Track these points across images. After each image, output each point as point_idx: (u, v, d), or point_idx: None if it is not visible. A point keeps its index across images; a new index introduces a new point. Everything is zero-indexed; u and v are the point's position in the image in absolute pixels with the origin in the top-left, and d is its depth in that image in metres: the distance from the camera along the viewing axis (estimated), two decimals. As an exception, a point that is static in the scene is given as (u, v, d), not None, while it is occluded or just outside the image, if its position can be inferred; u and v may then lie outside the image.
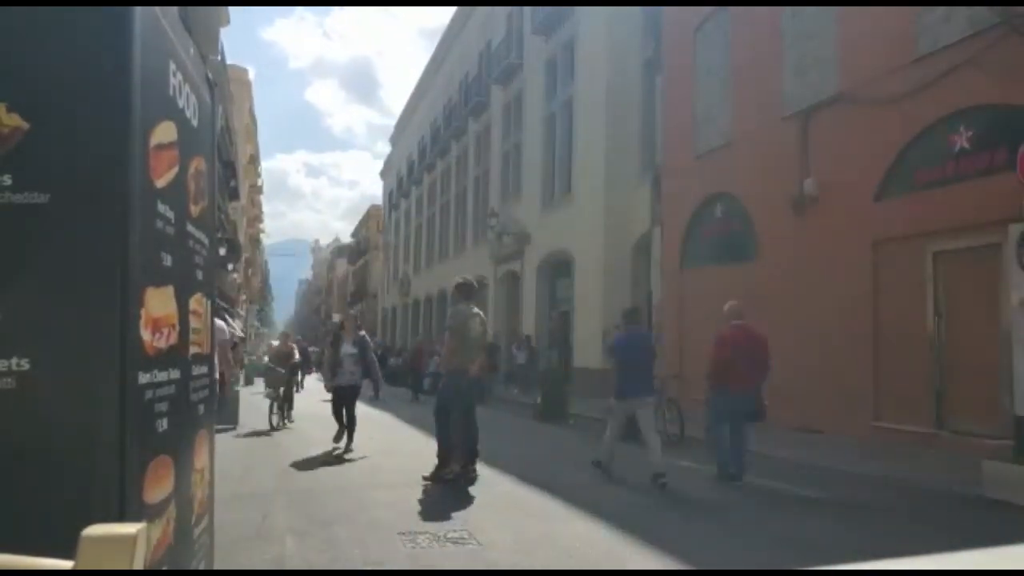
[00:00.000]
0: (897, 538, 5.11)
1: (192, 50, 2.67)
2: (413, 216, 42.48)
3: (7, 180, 1.81)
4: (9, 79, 1.84)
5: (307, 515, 5.56)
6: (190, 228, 2.54)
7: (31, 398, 1.79)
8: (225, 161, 26.54)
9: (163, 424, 2.20)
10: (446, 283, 29.13)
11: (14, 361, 1.78)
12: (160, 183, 2.16)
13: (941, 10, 9.17)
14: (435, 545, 4.72)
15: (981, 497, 6.22)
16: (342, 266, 76.65)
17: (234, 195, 34.29)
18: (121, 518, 1.82)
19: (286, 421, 12.03)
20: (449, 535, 4.94)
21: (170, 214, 2.26)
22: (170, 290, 2.26)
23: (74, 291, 1.86)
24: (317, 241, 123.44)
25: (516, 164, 25.29)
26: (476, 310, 7.45)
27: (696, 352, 11.25)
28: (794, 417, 10.83)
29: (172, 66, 2.31)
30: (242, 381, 14.88)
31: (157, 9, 2.15)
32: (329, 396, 9.50)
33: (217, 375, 3.28)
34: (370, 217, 61.09)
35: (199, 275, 2.69)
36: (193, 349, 2.58)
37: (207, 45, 18.41)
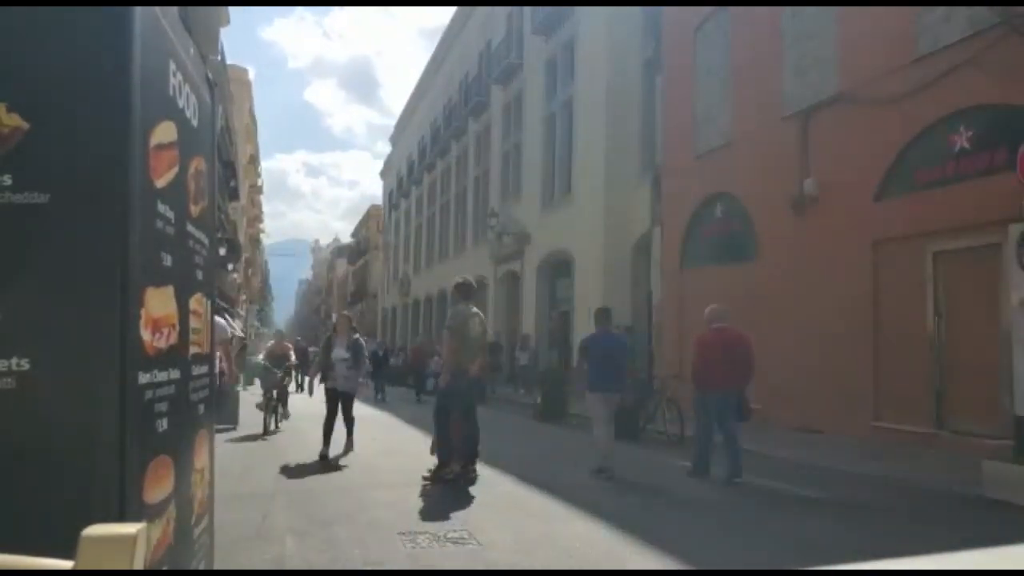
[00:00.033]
0: (897, 538, 5.11)
1: (192, 50, 2.67)
2: (413, 216, 42.49)
3: (7, 180, 1.81)
4: (9, 79, 1.84)
5: (307, 515, 5.56)
6: (190, 228, 2.54)
7: (31, 398, 1.79)
8: (225, 161, 26.54)
9: (163, 424, 2.20)
10: (446, 283, 29.09)
11: (14, 361, 1.78)
12: (160, 183, 2.16)
13: (941, 10, 9.17)
14: (435, 545, 4.72)
15: (981, 497, 6.22)
16: (342, 266, 76.66)
17: (234, 195, 34.29)
18: (121, 518, 1.82)
19: (279, 424, 11.51)
20: (449, 535, 4.94)
21: (170, 214, 2.26)
22: (170, 290, 2.26)
23: (74, 291, 1.86)
24: (317, 241, 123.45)
25: (516, 164, 25.30)
26: (475, 310, 7.47)
27: (696, 352, 11.25)
28: (794, 417, 10.84)
29: (172, 66, 2.31)
30: (242, 382, 14.68)
31: (157, 9, 2.15)
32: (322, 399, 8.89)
33: (218, 370, 3.27)
34: (370, 217, 61.09)
35: (199, 275, 2.69)
36: (193, 349, 2.58)
37: (207, 45, 18.41)
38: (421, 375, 20.28)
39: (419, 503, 6.11)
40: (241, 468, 7.65)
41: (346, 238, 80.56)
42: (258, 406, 11.15)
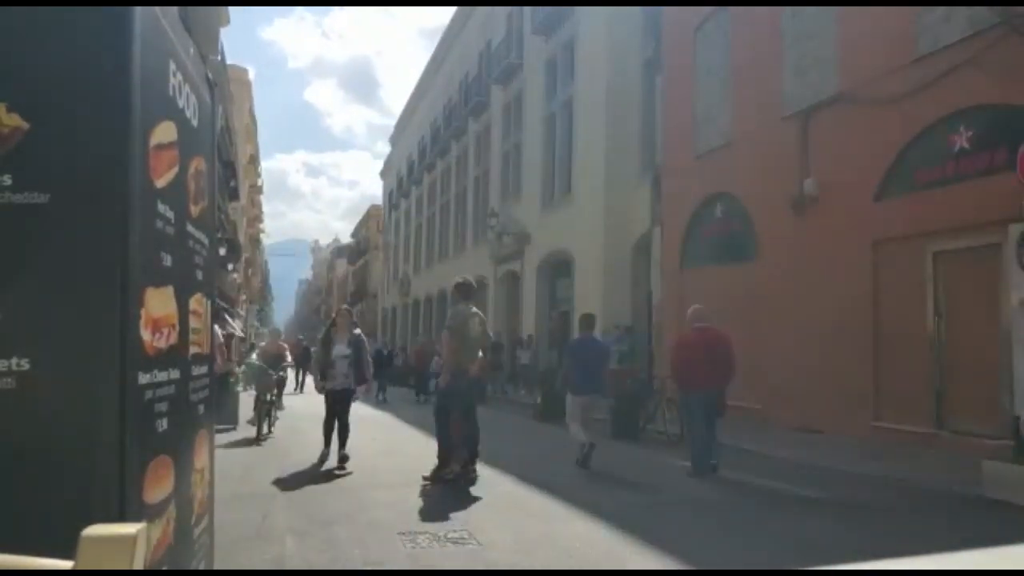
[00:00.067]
0: (897, 538, 5.11)
1: (192, 50, 2.67)
2: (413, 216, 42.48)
3: (7, 180, 1.81)
4: (9, 79, 1.84)
5: (307, 515, 5.56)
6: (190, 228, 2.54)
7: (31, 398, 1.79)
8: (225, 161, 26.54)
9: (163, 424, 2.20)
10: (446, 283, 29.07)
11: (14, 361, 1.79)
12: (160, 183, 2.16)
13: (941, 10, 9.17)
14: (435, 545, 4.72)
15: (981, 497, 6.22)
16: (342, 266, 76.67)
17: (234, 195, 34.30)
18: (121, 518, 1.82)
19: (272, 428, 10.83)
20: (449, 535, 4.94)
21: (170, 214, 2.26)
22: (170, 290, 2.26)
23: (74, 291, 1.86)
24: (317, 241, 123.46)
25: (516, 164, 25.29)
26: (475, 310, 7.45)
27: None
28: (794, 417, 10.84)
29: (172, 66, 2.31)
30: (242, 383, 14.50)
31: (157, 9, 2.15)
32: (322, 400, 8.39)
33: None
34: (370, 217, 61.09)
35: (199, 275, 2.69)
36: (193, 349, 2.58)
37: (207, 45, 18.41)
38: (423, 376, 20.26)
39: (419, 503, 6.11)
40: (241, 468, 7.64)
41: (346, 238, 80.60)
42: (253, 408, 10.59)
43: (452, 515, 5.57)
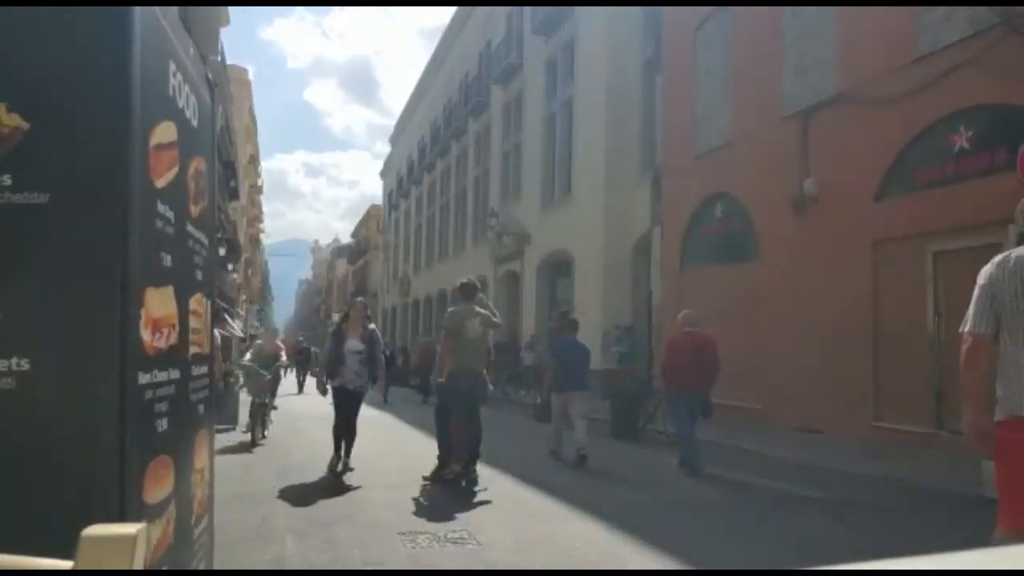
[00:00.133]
0: (897, 538, 5.11)
1: (192, 50, 2.67)
2: (413, 216, 42.49)
3: (7, 180, 1.81)
4: (9, 79, 1.84)
5: (307, 515, 5.56)
6: (190, 228, 2.54)
7: (31, 398, 1.79)
8: (225, 161, 26.53)
9: (163, 424, 2.20)
10: (446, 283, 29.19)
11: (14, 361, 1.79)
12: (160, 183, 2.16)
13: (941, 10, 9.17)
14: (435, 545, 4.72)
15: (981, 497, 6.20)
16: (342, 266, 76.66)
17: (234, 195, 34.28)
18: (121, 518, 1.82)
19: (266, 433, 10.26)
20: (449, 535, 4.94)
21: (170, 214, 2.26)
22: (170, 290, 2.26)
23: (74, 291, 1.86)
24: (317, 241, 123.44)
25: (516, 164, 25.30)
26: (478, 309, 7.37)
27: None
28: (794, 417, 10.84)
29: (172, 66, 2.31)
30: (242, 383, 14.36)
31: (157, 9, 2.15)
32: (329, 401, 7.73)
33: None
34: (370, 217, 61.09)
35: (199, 275, 2.69)
36: (193, 349, 2.58)
37: (207, 45, 18.41)
38: (427, 376, 20.20)
39: (419, 503, 6.11)
40: (241, 468, 7.64)
41: (346, 238, 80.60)
42: (249, 411, 10.06)
43: (452, 515, 5.57)
